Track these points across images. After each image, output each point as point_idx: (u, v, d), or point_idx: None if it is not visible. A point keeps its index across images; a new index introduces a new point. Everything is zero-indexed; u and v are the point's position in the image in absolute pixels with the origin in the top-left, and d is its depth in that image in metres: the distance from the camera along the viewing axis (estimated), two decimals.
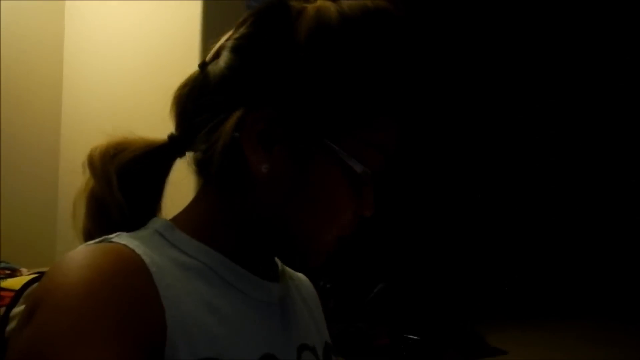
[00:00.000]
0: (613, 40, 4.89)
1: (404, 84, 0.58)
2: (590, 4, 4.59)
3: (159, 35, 1.82)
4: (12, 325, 0.61)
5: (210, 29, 1.72)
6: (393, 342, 2.71)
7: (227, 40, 0.59)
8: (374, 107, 0.56)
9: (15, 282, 0.73)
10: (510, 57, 4.90)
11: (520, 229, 5.19)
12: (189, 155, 0.60)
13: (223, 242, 0.56)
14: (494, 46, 4.77)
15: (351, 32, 0.55)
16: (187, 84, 0.60)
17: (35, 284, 0.65)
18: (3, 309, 0.64)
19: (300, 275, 0.74)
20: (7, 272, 1.25)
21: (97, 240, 0.52)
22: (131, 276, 0.48)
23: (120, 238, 0.52)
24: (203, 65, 0.59)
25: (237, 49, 0.56)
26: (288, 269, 0.70)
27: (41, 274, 0.79)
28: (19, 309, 0.63)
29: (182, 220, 0.58)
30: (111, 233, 0.53)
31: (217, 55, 0.58)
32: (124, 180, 0.57)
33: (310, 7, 0.56)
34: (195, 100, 0.58)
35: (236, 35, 0.57)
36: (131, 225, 0.56)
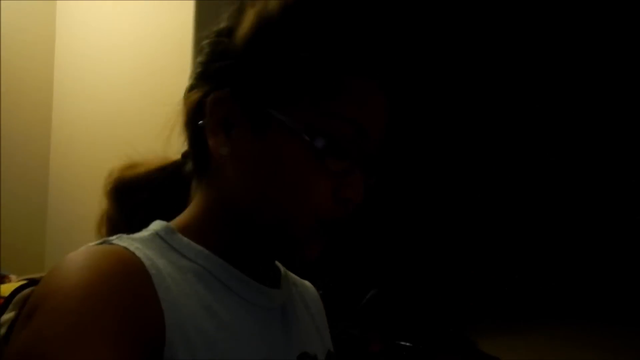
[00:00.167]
0: (613, 40, 4.92)
1: (353, 38, 0.54)
2: (591, 4, 4.61)
3: (151, 36, 1.82)
4: (1, 331, 0.60)
5: (203, 31, 1.72)
6: (386, 348, 2.70)
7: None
8: (323, 69, 0.53)
9: (5, 289, 0.72)
10: (511, 56, 4.92)
11: (511, 236, 5.21)
12: None
13: (221, 245, 0.56)
14: (496, 46, 4.79)
15: None
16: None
17: (25, 291, 0.64)
18: None
19: (305, 282, 0.73)
20: None
21: (97, 242, 0.52)
22: (130, 279, 0.48)
23: (121, 240, 0.52)
24: None
25: (203, 45, 0.58)
26: (292, 275, 0.69)
27: (30, 280, 0.78)
28: (7, 315, 0.62)
29: (182, 223, 0.58)
30: None
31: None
32: (141, 203, 0.60)
33: None
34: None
35: (206, 34, 0.59)
36: None
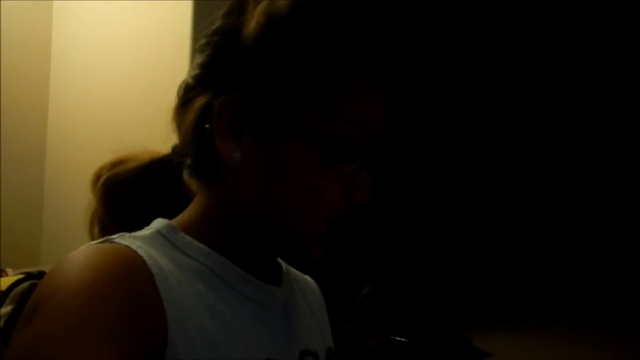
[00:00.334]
0: (613, 41, 4.91)
1: (358, 40, 0.54)
2: (591, 4, 4.60)
3: (148, 35, 1.82)
4: None
5: (200, 29, 1.71)
6: (381, 344, 2.71)
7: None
8: (330, 73, 0.53)
9: (1, 283, 0.72)
10: (511, 56, 4.91)
11: (505, 234, 5.22)
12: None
13: (223, 243, 0.56)
14: (495, 46, 4.79)
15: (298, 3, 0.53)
16: (177, 92, 0.60)
17: (22, 285, 0.65)
18: None
19: (307, 277, 0.73)
20: None
21: (99, 240, 0.52)
22: (132, 278, 0.47)
23: (123, 239, 0.51)
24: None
25: (202, 45, 0.58)
26: (293, 272, 0.69)
27: (27, 274, 0.78)
28: (5, 309, 0.62)
29: (184, 221, 0.58)
30: None
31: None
32: (131, 200, 0.59)
33: None
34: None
35: (204, 33, 0.58)
36: None
